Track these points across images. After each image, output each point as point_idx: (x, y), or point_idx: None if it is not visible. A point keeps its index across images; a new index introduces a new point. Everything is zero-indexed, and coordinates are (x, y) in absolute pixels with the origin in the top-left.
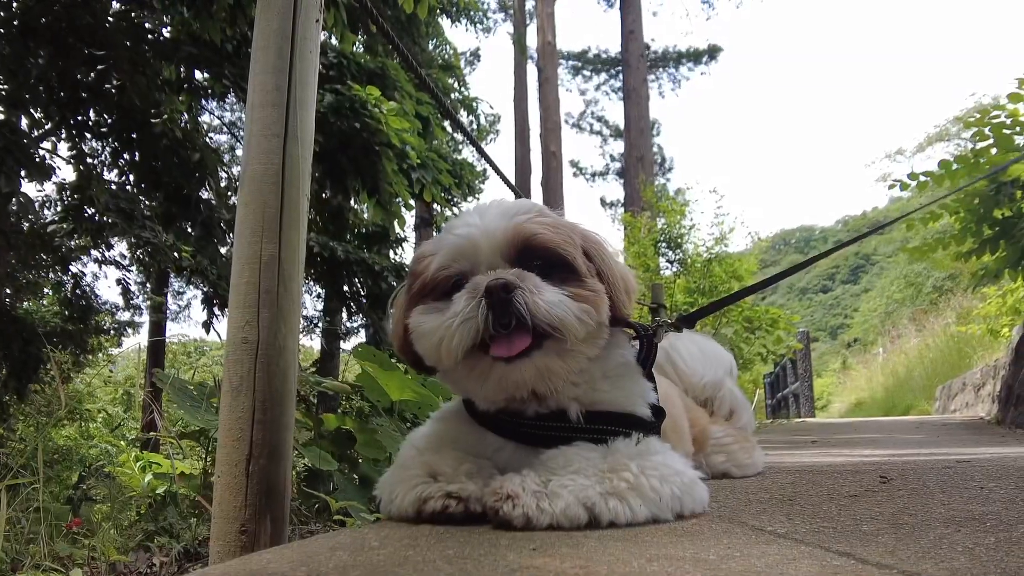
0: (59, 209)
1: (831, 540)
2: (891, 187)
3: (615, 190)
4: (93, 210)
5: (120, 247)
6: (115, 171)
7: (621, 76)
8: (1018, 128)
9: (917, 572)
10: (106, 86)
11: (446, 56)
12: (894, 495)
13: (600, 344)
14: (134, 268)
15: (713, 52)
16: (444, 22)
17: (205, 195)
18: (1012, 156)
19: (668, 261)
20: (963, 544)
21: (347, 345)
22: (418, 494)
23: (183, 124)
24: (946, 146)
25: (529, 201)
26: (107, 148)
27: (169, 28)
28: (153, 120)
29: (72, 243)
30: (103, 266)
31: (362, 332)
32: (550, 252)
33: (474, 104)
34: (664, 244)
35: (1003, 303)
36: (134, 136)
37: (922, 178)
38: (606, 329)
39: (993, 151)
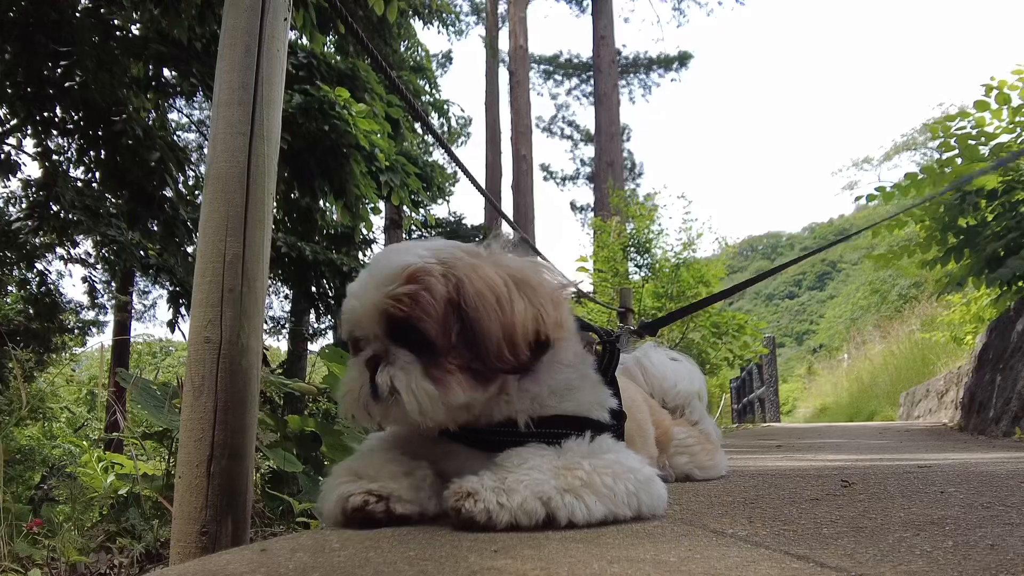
0: (24, 206)
1: (791, 543)
2: (857, 199)
3: (585, 194)
4: (59, 207)
5: (85, 245)
6: (81, 168)
7: (592, 81)
8: (983, 138)
9: (875, 575)
10: (68, 83)
11: (418, 58)
12: (855, 499)
13: (493, 386)
14: (99, 266)
15: (684, 59)
16: (416, 24)
17: (169, 193)
18: (977, 166)
19: (637, 266)
20: (921, 548)
21: (314, 346)
22: (340, 493)
23: (150, 122)
24: (913, 155)
25: (415, 256)
26: (73, 145)
27: (138, 26)
28: (115, 119)
29: (37, 240)
30: (68, 264)
31: (330, 333)
32: (410, 328)
33: (445, 107)
34: (633, 249)
35: (967, 311)
36: (100, 133)
37: (888, 189)
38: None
39: (959, 161)
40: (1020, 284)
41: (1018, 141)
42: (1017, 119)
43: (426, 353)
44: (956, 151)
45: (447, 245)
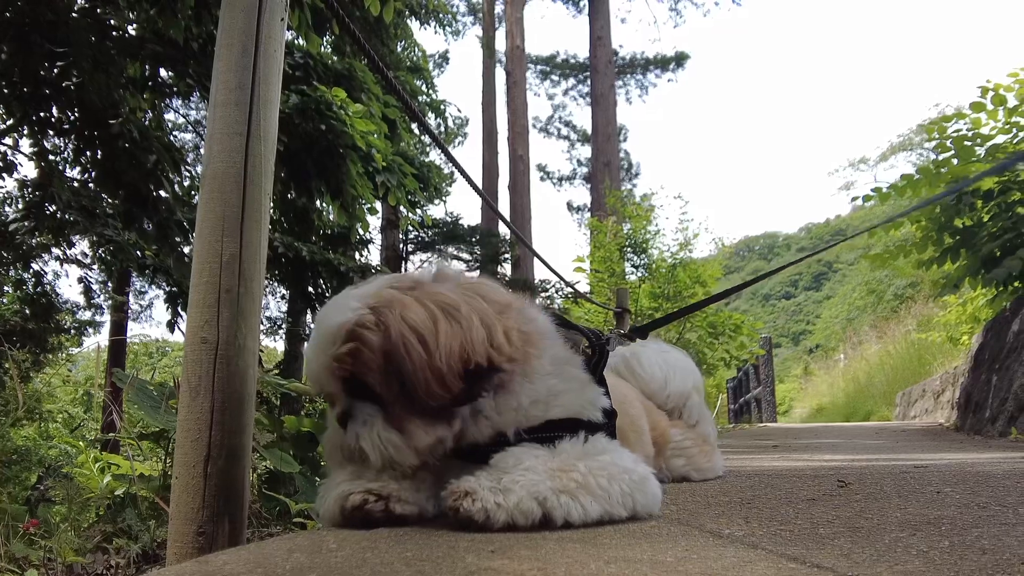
0: (20, 206)
1: (787, 543)
2: (854, 199)
3: (582, 195)
4: (55, 207)
5: (82, 245)
6: (77, 168)
7: (589, 81)
8: (978, 140)
9: (871, 575)
10: (64, 83)
11: (414, 58)
12: (851, 499)
13: (455, 420)
14: (95, 267)
15: (680, 59)
16: (413, 24)
17: (166, 194)
18: (973, 167)
19: (633, 266)
20: (918, 547)
21: None
22: (340, 492)
23: (147, 122)
24: (909, 155)
25: (349, 311)
26: (69, 145)
27: (135, 26)
28: (111, 121)
29: (33, 241)
30: (64, 264)
31: None
32: (361, 383)
33: (442, 107)
34: (630, 249)
35: (963, 311)
36: (96, 134)
37: (885, 190)
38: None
39: (954, 162)
40: (1016, 284)
41: (1014, 142)
42: (1013, 119)
43: (384, 403)
44: (952, 152)
45: (381, 287)
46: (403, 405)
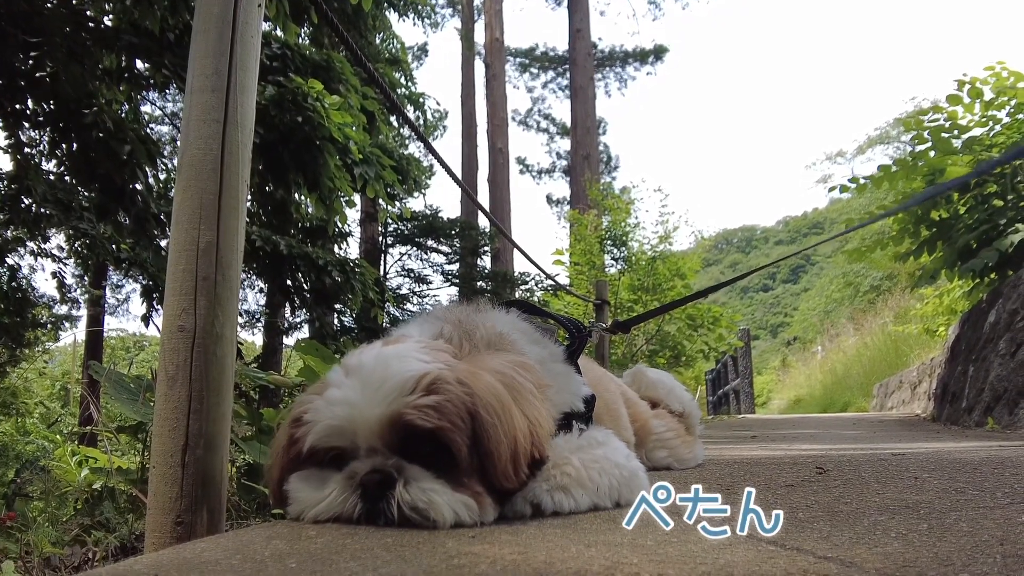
0: None
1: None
2: (831, 190)
3: (562, 188)
4: (30, 201)
5: (58, 239)
6: (53, 161)
7: (568, 74)
8: (955, 131)
9: (850, 556)
10: (39, 74)
11: (393, 50)
12: (830, 485)
13: (506, 505)
14: (71, 261)
15: (659, 52)
16: (392, 16)
17: (141, 187)
18: (949, 158)
19: (613, 259)
20: (897, 530)
21: (290, 340)
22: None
23: (123, 114)
24: (886, 148)
25: (421, 363)
26: (45, 137)
27: (111, 17)
28: (84, 111)
29: (8, 234)
30: (39, 258)
31: (305, 327)
32: (433, 440)
33: (421, 99)
34: (609, 242)
35: (940, 303)
36: (71, 125)
37: (862, 181)
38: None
39: (932, 153)
40: (992, 276)
41: (991, 134)
42: (990, 112)
43: (440, 470)
44: (929, 143)
45: (437, 344)
46: (476, 479)
